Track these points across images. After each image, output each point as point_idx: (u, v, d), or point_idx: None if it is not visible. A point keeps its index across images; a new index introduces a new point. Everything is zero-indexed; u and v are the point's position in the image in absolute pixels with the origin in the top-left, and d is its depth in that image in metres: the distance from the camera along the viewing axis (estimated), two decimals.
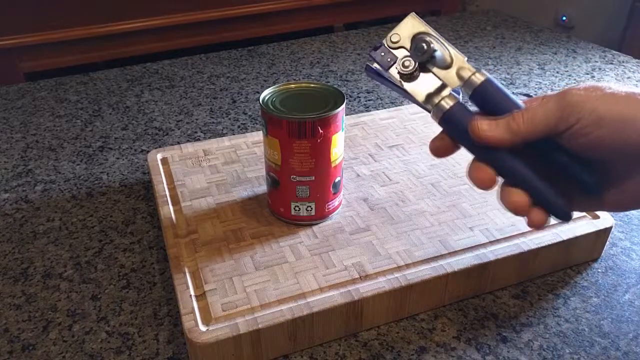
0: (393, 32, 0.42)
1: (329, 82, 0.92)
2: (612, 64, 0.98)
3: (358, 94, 0.88)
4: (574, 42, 1.08)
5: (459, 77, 0.40)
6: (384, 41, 0.42)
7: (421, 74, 0.41)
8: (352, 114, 0.79)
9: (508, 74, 0.95)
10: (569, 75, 0.94)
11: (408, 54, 0.41)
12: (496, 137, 0.37)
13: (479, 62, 0.99)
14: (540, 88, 0.90)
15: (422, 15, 0.43)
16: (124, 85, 0.92)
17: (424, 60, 0.41)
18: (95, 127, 0.79)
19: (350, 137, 0.67)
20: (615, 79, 0.92)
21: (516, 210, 0.38)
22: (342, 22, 1.81)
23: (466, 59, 0.40)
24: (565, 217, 0.39)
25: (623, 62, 0.99)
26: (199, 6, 1.52)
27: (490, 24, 1.18)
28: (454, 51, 0.40)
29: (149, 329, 0.47)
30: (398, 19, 0.42)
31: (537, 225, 0.38)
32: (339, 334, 0.46)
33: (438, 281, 0.47)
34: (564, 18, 2.22)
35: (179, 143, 0.74)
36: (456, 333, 0.46)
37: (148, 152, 0.71)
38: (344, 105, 0.49)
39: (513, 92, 0.90)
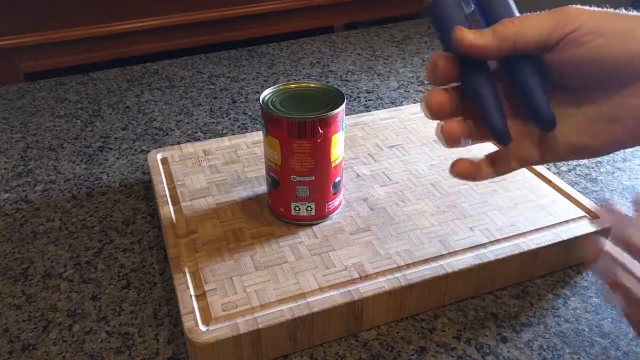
0: None
1: (329, 82, 0.92)
2: None
3: (358, 94, 0.88)
4: None
5: None
6: None
7: None
8: (352, 114, 0.79)
9: None
10: None
11: None
12: (481, 44, 0.34)
13: None
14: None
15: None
16: (124, 85, 0.92)
17: None
18: (95, 127, 0.79)
19: (350, 137, 0.67)
20: None
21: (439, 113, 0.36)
22: (342, 22, 1.81)
23: None
24: (548, 117, 0.35)
25: None
26: (199, 6, 1.52)
27: None
28: None
29: (149, 329, 0.47)
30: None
31: (451, 137, 0.36)
32: (339, 334, 0.46)
33: (438, 281, 0.47)
34: None
35: (179, 143, 0.74)
36: (456, 333, 0.46)
37: (148, 152, 0.71)
38: (344, 105, 0.49)
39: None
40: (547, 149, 0.37)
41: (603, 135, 0.35)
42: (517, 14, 0.36)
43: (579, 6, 0.34)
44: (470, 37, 0.34)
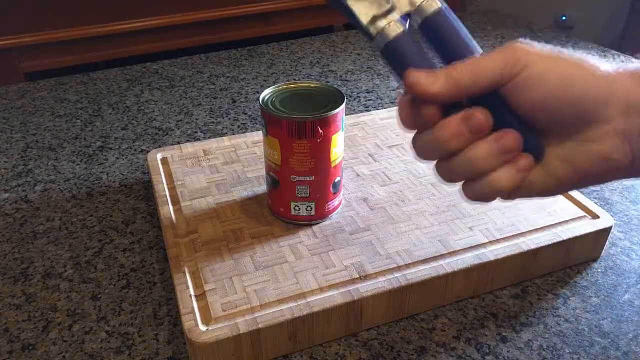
0: None
1: (329, 82, 0.92)
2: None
3: (358, 94, 0.88)
4: (574, 42, 1.08)
5: (411, 2, 0.36)
6: None
7: None
8: (352, 114, 0.79)
9: None
10: None
11: None
12: (435, 91, 0.33)
13: None
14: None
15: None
16: (124, 85, 0.92)
17: None
18: (95, 127, 0.79)
19: (350, 137, 0.67)
20: None
21: (478, 130, 0.33)
22: (342, 22, 1.81)
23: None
24: (540, 150, 0.34)
25: (623, 62, 0.99)
26: (199, 6, 1.52)
27: (490, 24, 1.18)
28: None
29: (149, 329, 0.47)
30: None
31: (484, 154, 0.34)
32: (339, 334, 0.46)
33: (438, 281, 0.47)
34: (564, 18, 2.22)
35: (179, 143, 0.74)
36: (456, 333, 0.46)
37: (148, 152, 0.71)
38: (344, 105, 0.49)
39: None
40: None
41: (556, 174, 0.34)
42: (467, 42, 0.35)
43: (526, 44, 0.33)
44: (425, 82, 0.33)
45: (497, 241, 0.50)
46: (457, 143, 0.34)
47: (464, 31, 0.36)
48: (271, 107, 0.49)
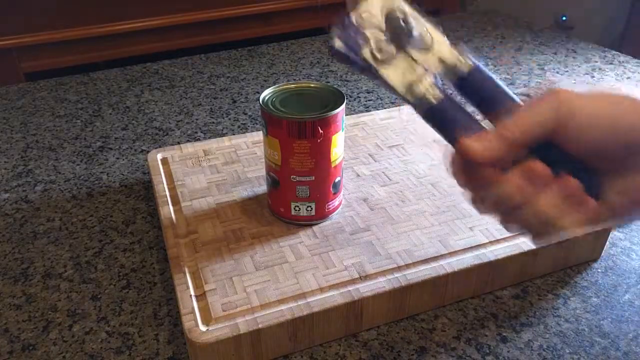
0: (362, 8, 0.36)
1: (329, 82, 0.92)
2: (612, 64, 0.98)
3: (358, 94, 0.88)
4: (574, 42, 1.08)
5: (442, 62, 0.36)
6: (353, 19, 0.36)
7: (397, 56, 0.36)
8: (352, 114, 0.79)
9: (508, 74, 0.95)
10: (569, 76, 0.94)
11: (381, 33, 0.36)
12: (491, 155, 0.33)
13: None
14: (540, 88, 0.89)
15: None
16: (124, 85, 0.92)
17: (402, 41, 0.36)
18: (95, 127, 0.79)
19: (350, 137, 0.67)
20: (615, 79, 0.92)
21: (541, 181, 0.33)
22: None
23: (448, 41, 0.36)
24: (598, 188, 0.34)
25: (623, 62, 0.99)
26: (199, 6, 1.52)
27: (490, 24, 1.18)
28: (434, 31, 0.36)
29: (149, 329, 0.47)
30: None
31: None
32: (339, 334, 0.46)
33: (438, 281, 0.47)
34: (564, 18, 2.22)
35: (179, 143, 0.74)
36: (456, 333, 0.46)
37: (148, 152, 0.71)
38: (344, 105, 0.49)
39: (513, 92, 0.90)
40: None
41: (613, 206, 0.34)
42: (506, 91, 0.35)
43: (567, 89, 0.34)
44: (479, 148, 0.33)
45: (497, 241, 0.50)
46: (521, 198, 0.34)
47: (498, 80, 0.36)
48: (271, 107, 0.49)
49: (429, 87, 0.35)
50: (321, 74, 0.95)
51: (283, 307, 0.44)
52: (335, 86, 0.53)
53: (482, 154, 0.33)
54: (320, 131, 0.48)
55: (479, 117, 0.36)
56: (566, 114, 0.33)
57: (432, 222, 0.53)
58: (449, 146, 0.36)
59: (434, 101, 0.35)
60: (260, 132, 0.67)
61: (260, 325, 0.42)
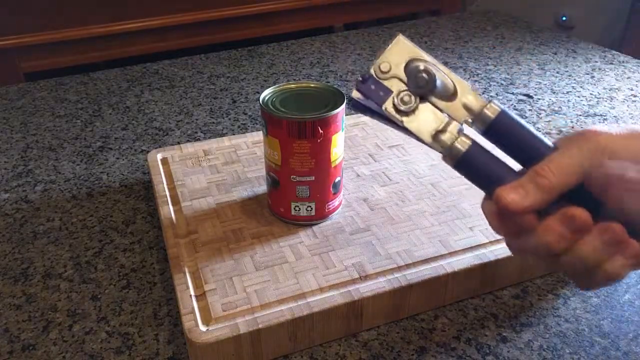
0: (381, 59, 0.36)
1: (329, 82, 0.92)
2: (612, 64, 0.98)
3: None
4: (574, 42, 1.08)
5: (467, 109, 0.35)
6: (372, 71, 0.36)
7: (420, 106, 0.36)
8: (352, 114, 0.79)
9: (508, 74, 0.95)
10: (569, 76, 0.94)
11: (403, 84, 0.35)
12: (529, 203, 0.32)
13: (479, 62, 0.99)
14: (540, 88, 0.90)
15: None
16: (124, 85, 0.92)
17: (425, 91, 0.35)
18: (95, 127, 0.79)
19: (350, 137, 0.67)
20: (615, 79, 0.92)
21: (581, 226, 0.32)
22: (342, 22, 1.81)
23: (471, 85, 0.36)
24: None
25: (623, 62, 0.99)
26: (199, 6, 1.52)
27: (490, 24, 1.18)
28: (456, 78, 0.35)
29: (149, 329, 0.47)
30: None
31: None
32: (339, 334, 0.46)
33: (438, 281, 0.47)
34: (564, 18, 2.22)
35: (179, 143, 0.74)
36: (456, 333, 0.46)
37: (148, 152, 0.71)
38: (344, 105, 0.49)
39: (513, 92, 0.90)
40: None
41: None
42: (535, 134, 0.34)
43: (598, 129, 0.32)
44: (516, 198, 0.32)
45: (497, 241, 0.50)
46: (563, 245, 0.33)
47: (525, 123, 0.35)
48: (271, 107, 0.49)
49: (455, 135, 0.35)
50: (321, 74, 0.95)
51: (283, 307, 0.44)
52: (335, 86, 0.53)
53: (519, 204, 0.32)
54: (320, 131, 0.48)
55: (509, 161, 0.35)
56: (601, 155, 0.32)
57: (432, 222, 0.53)
58: (482, 192, 0.35)
59: (462, 149, 0.34)
60: (260, 132, 0.67)
61: (260, 326, 0.42)
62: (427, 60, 0.36)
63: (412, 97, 0.35)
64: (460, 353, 0.45)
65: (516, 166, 0.36)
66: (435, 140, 0.35)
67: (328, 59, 1.02)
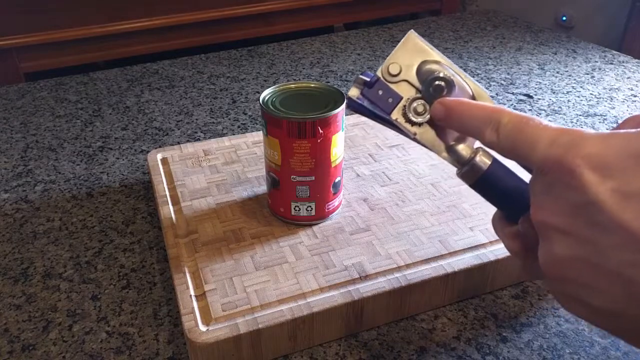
0: (390, 60, 0.32)
1: (329, 82, 0.92)
2: (612, 64, 0.98)
3: None
4: (574, 42, 1.08)
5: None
6: (379, 73, 0.32)
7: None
8: (352, 114, 0.79)
9: (508, 74, 0.95)
10: (569, 76, 0.94)
11: (414, 90, 0.31)
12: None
13: (479, 62, 0.99)
14: (540, 88, 0.90)
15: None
16: (124, 85, 0.92)
17: (440, 97, 0.32)
18: (95, 127, 0.79)
19: (350, 137, 0.67)
20: (615, 79, 0.92)
21: None
22: (342, 22, 1.82)
23: (488, 93, 0.33)
24: None
25: (623, 62, 0.99)
26: (199, 6, 1.52)
27: (490, 24, 1.18)
28: (474, 84, 0.32)
29: (149, 329, 0.47)
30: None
31: None
32: (339, 334, 0.46)
33: (438, 281, 0.47)
34: (564, 18, 2.22)
35: (179, 143, 0.74)
36: (456, 333, 0.46)
37: (148, 152, 0.71)
38: (344, 105, 0.49)
39: (513, 92, 0.90)
40: None
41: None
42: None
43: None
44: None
45: (497, 241, 0.50)
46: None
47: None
48: (271, 107, 0.49)
49: (472, 148, 0.31)
50: (321, 74, 0.95)
51: (283, 307, 0.44)
52: (335, 86, 0.53)
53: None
54: (320, 131, 0.48)
55: (523, 174, 0.33)
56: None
57: (432, 222, 0.53)
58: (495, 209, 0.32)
59: (484, 167, 0.31)
60: (260, 132, 0.67)
61: (260, 326, 0.42)
62: (441, 62, 0.32)
63: (426, 107, 0.32)
64: (460, 353, 0.45)
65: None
66: (452, 154, 0.32)
67: (328, 59, 1.02)
